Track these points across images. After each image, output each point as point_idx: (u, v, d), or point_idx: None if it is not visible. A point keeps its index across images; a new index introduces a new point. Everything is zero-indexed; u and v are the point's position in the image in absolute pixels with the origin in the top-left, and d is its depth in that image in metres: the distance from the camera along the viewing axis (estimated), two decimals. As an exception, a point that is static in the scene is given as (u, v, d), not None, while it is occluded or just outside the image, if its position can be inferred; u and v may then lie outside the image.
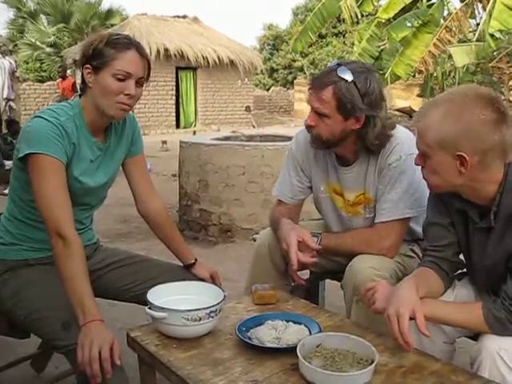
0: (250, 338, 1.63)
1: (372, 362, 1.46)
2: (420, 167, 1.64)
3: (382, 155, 2.04)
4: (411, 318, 1.51)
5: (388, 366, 1.53)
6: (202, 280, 2.06)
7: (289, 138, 5.28)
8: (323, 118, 1.95)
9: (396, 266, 2.02)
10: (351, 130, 1.97)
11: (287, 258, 2.00)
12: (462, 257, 1.81)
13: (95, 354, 1.48)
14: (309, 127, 2.00)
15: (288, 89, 27.74)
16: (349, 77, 1.90)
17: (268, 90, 28.34)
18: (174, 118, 18.73)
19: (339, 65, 1.93)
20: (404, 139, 2.01)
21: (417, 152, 1.63)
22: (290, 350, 1.53)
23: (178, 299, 1.78)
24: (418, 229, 2.14)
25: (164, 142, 12.83)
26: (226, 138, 5.51)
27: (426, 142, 1.55)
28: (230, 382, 1.43)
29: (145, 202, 2.13)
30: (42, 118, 1.77)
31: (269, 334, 1.63)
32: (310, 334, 1.64)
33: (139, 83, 1.85)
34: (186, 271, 2.13)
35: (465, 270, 1.86)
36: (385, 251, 2.02)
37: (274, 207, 2.34)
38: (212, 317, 1.65)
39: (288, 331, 1.65)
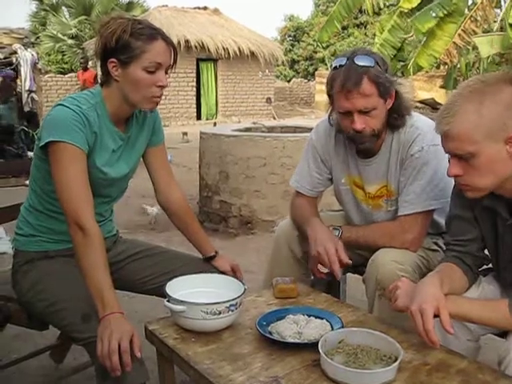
0: (270, 333, 1.59)
1: (396, 359, 1.42)
2: (447, 169, 1.54)
3: (403, 146, 1.99)
4: (435, 316, 1.46)
5: (412, 363, 1.48)
6: (223, 273, 2.04)
7: (310, 130, 5.18)
8: (371, 113, 1.89)
9: (419, 260, 1.97)
10: (387, 110, 1.95)
11: (322, 260, 1.97)
12: (486, 252, 1.76)
13: (115, 347, 1.46)
14: (361, 130, 1.91)
15: (309, 80, 27.60)
16: (368, 61, 1.86)
17: (289, 81, 28.25)
18: (195, 110, 18.75)
19: (349, 58, 1.88)
20: (426, 129, 1.96)
21: (439, 142, 1.54)
22: (312, 346, 1.49)
23: (198, 292, 1.75)
24: (442, 221, 2.09)
25: (185, 134, 12.85)
26: (247, 130, 5.47)
27: (472, 140, 1.43)
28: (249, 378, 1.40)
29: (165, 192, 2.10)
30: (63, 105, 1.75)
31: (290, 328, 1.59)
32: (332, 329, 1.60)
33: (166, 71, 1.81)
34: (207, 264, 2.10)
35: (490, 265, 1.80)
36: (408, 244, 1.98)
37: (294, 198, 2.30)
38: (232, 310, 1.61)
39: (309, 326, 1.61)
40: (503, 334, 1.73)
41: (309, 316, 1.68)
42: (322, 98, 22.12)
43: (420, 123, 1.99)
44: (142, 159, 2.08)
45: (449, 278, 1.59)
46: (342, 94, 1.87)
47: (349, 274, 2.55)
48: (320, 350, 1.42)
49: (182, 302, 1.59)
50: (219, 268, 2.08)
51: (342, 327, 1.60)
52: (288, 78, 30.45)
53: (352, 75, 1.84)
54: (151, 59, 1.74)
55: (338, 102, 1.90)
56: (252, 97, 20.02)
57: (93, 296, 1.57)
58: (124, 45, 1.74)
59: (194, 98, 18.59)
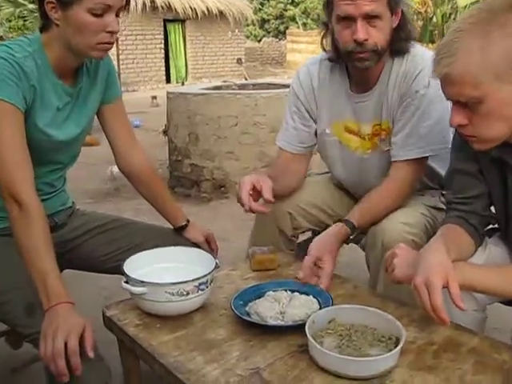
0: (248, 314, 1.36)
1: (397, 340, 1.20)
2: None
3: (405, 78, 1.74)
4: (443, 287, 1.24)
5: (416, 343, 1.27)
6: (196, 244, 1.80)
7: (284, 86, 4.95)
8: (375, 23, 1.66)
9: (426, 221, 1.74)
10: (392, 29, 1.72)
11: (238, 199, 1.71)
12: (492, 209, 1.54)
13: (60, 347, 1.20)
14: (363, 42, 1.66)
15: (280, 39, 27.03)
16: None
17: (259, 41, 27.69)
18: (164, 73, 18.27)
19: None
20: (430, 61, 1.70)
21: None
22: (297, 328, 1.27)
23: (162, 269, 1.51)
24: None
25: (154, 98, 12.54)
26: (217, 88, 5.16)
27: (478, 83, 1.18)
28: (225, 372, 1.17)
29: (126, 156, 1.84)
30: None
31: (271, 308, 1.37)
32: (320, 306, 1.38)
33: (118, 14, 1.52)
34: (177, 235, 1.87)
35: (496, 225, 1.58)
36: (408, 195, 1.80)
37: (276, 158, 2.05)
38: (202, 290, 1.38)
39: (293, 304, 1.38)
40: (510, 303, 1.57)
41: (292, 292, 1.45)
42: (293, 57, 21.75)
43: (425, 55, 1.74)
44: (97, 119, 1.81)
45: (454, 242, 1.36)
46: None
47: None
48: (307, 334, 1.19)
49: (142, 283, 1.35)
50: (191, 239, 1.84)
51: (332, 304, 1.38)
52: (258, 38, 29.83)
53: None
54: (97, 0, 1.46)
55: (341, 6, 1.65)
56: (222, 58, 19.59)
57: (35, 283, 1.31)
58: None
59: (163, 60, 18.10)
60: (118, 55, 10.04)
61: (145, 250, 1.56)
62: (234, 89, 5.19)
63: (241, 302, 1.41)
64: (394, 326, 1.23)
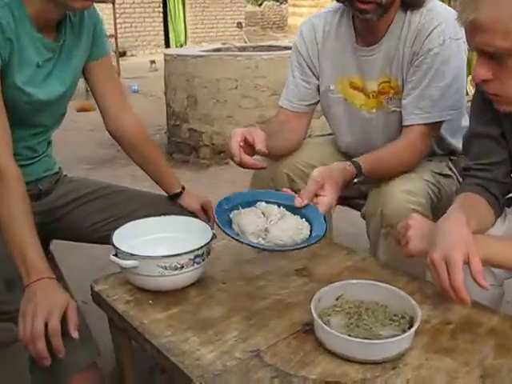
0: (230, 223, 1.26)
1: (411, 319, 1.09)
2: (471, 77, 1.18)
3: (419, 34, 1.59)
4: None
5: (430, 322, 1.16)
6: (192, 213, 1.69)
7: (286, 48, 4.78)
8: None
9: (430, 189, 1.61)
10: None
11: (228, 152, 1.56)
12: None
13: (39, 327, 1.09)
14: None
15: (281, 3, 26.54)
16: None
17: (260, 5, 27.16)
18: (163, 37, 17.95)
19: None
20: (448, 17, 1.56)
21: (462, 35, 1.17)
22: (275, 251, 1.24)
23: (155, 240, 1.39)
24: (453, 140, 1.75)
25: (153, 62, 12.33)
26: (216, 50, 4.99)
27: (509, 31, 1.05)
28: (222, 355, 1.06)
29: (116, 118, 1.71)
30: None
31: (255, 222, 1.25)
32: (311, 234, 1.27)
33: None
34: (172, 203, 1.76)
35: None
36: (417, 163, 1.66)
37: (273, 117, 1.92)
38: (197, 263, 1.26)
39: (281, 224, 1.27)
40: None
41: (287, 208, 1.34)
42: (295, 21, 21.32)
43: (441, 9, 1.60)
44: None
45: (474, 213, 1.24)
46: None
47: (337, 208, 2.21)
48: (313, 313, 1.08)
49: (132, 256, 1.23)
50: (187, 207, 1.73)
51: (325, 234, 1.26)
52: (259, 2, 29.31)
53: None
54: None
55: None
56: (222, 22, 19.23)
57: (14, 257, 1.20)
58: None
59: (162, 24, 17.77)
60: (114, 19, 9.75)
61: (137, 218, 1.44)
62: (233, 51, 5.02)
63: (226, 207, 1.30)
64: (408, 303, 1.12)
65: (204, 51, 4.79)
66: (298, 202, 1.35)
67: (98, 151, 5.17)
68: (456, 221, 1.16)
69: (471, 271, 1.07)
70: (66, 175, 1.80)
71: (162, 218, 1.45)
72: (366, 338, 1.06)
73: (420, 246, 1.22)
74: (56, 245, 1.87)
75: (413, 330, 1.04)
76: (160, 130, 5.58)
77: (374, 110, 1.75)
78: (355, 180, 1.54)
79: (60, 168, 1.78)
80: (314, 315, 1.07)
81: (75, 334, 1.12)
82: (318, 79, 1.83)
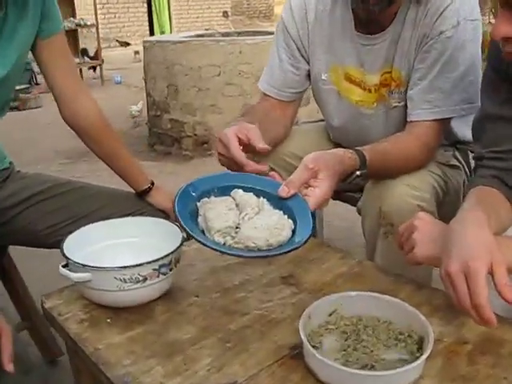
0: (196, 213, 1.05)
1: (420, 339, 0.90)
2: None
3: (428, 15, 1.37)
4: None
5: (443, 341, 0.96)
6: (163, 212, 1.49)
7: (271, 33, 4.55)
8: None
9: (436, 182, 1.42)
10: None
11: (230, 159, 1.23)
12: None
13: None
14: None
15: (267, -8, 26.25)
16: None
17: (246, -7, 26.86)
18: (147, 28, 17.67)
19: None
20: None
21: (479, 16, 1.05)
22: (241, 257, 1.03)
23: (115, 246, 1.19)
24: (458, 128, 1.54)
25: (136, 53, 12.15)
26: (199, 36, 4.77)
27: None
28: (191, 390, 0.86)
29: (70, 104, 1.51)
30: None
31: (224, 216, 1.02)
32: (293, 234, 1.04)
33: None
34: (140, 200, 1.56)
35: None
36: (426, 163, 1.43)
37: (255, 106, 1.70)
38: (163, 274, 1.06)
39: (257, 221, 1.03)
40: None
41: (268, 200, 1.10)
42: (281, 10, 21.08)
43: None
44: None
45: (493, 211, 1.04)
46: None
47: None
48: (301, 335, 0.88)
49: (84, 267, 1.03)
50: (156, 205, 1.53)
51: (311, 235, 1.04)
52: (245, -9, 28.97)
53: None
54: None
55: None
56: (208, 11, 19.01)
57: None
58: None
59: (146, 14, 17.52)
60: (95, 7, 9.46)
61: (98, 220, 1.23)
62: (216, 37, 4.81)
63: (193, 194, 1.07)
64: (416, 319, 0.93)
65: (185, 37, 4.57)
66: (284, 191, 1.09)
67: (76, 145, 4.94)
68: (475, 222, 0.95)
69: (496, 284, 0.87)
70: (18, 171, 1.59)
71: (124, 219, 1.24)
72: (366, 366, 0.86)
73: (428, 253, 1.02)
74: (13, 249, 1.68)
75: (424, 356, 0.84)
76: (142, 121, 5.39)
77: (375, 105, 1.54)
78: (357, 173, 1.28)
79: (11, 163, 1.57)
80: (303, 338, 0.87)
81: (10, 367, 0.91)
82: (308, 64, 1.61)
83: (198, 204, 1.05)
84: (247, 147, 1.24)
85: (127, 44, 14.18)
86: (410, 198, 1.30)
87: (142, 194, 1.56)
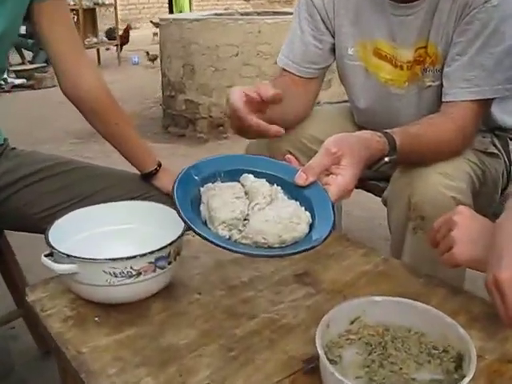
0: (198, 201, 0.89)
1: (459, 355, 0.76)
2: None
3: None
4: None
5: (485, 358, 0.82)
6: (168, 195, 1.35)
7: (291, 14, 4.38)
8: None
9: (472, 171, 1.26)
10: None
11: (230, 111, 1.07)
12: None
13: None
14: None
15: (289, -24, 25.92)
16: None
17: (268, -23, 26.56)
18: (167, 10, 17.53)
19: None
20: None
21: None
22: (248, 255, 0.85)
23: (110, 234, 1.06)
24: (498, 114, 1.38)
25: (155, 34, 12.00)
26: (217, 15, 4.62)
27: None
28: (185, 410, 0.73)
29: (71, 75, 1.37)
30: None
31: (231, 207, 0.86)
32: (310, 230, 0.88)
33: None
34: (145, 183, 1.43)
35: None
36: (463, 149, 1.28)
37: (273, 80, 1.54)
38: (161, 268, 0.92)
39: (269, 213, 0.86)
40: None
41: (282, 188, 0.94)
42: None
43: None
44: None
45: None
46: None
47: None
48: (318, 347, 0.74)
49: (69, 258, 0.89)
50: (163, 189, 1.40)
51: (332, 230, 0.87)
52: (267, -26, 28.64)
53: None
54: None
55: None
56: (229, -6, 18.83)
57: None
58: None
59: (166, -3, 17.44)
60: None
61: (98, 202, 1.10)
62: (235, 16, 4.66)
63: (196, 177, 0.91)
64: (454, 332, 0.78)
65: (203, 16, 4.43)
66: (301, 178, 0.93)
67: (87, 125, 4.85)
68: None
69: None
70: (14, 148, 1.46)
71: (121, 203, 1.11)
72: (394, 388, 0.72)
73: (470, 254, 0.87)
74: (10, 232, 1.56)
75: (467, 380, 0.69)
76: (157, 102, 5.29)
77: (406, 84, 1.38)
78: (386, 159, 1.12)
79: (6, 139, 1.44)
80: (320, 352, 0.73)
81: None
82: (333, 37, 1.46)
83: (201, 190, 0.90)
84: (256, 106, 1.06)
85: (158, 25, 14.07)
86: (444, 188, 1.14)
87: (148, 177, 1.43)
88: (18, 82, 6.85)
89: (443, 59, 1.29)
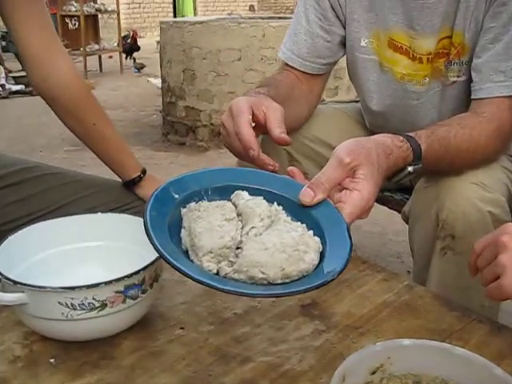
0: (177, 226, 0.70)
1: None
2: None
3: None
4: None
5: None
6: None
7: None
8: None
9: (509, 180, 1.08)
10: None
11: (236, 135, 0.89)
12: None
13: None
14: None
15: (295, -13, 26.06)
16: None
17: (273, -12, 26.71)
18: (172, 19, 17.65)
19: None
20: None
21: None
22: (243, 295, 0.66)
23: (77, 252, 0.87)
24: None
25: (159, 43, 11.97)
26: (219, 20, 4.50)
27: None
28: None
29: (41, 65, 1.19)
30: None
31: (219, 232, 0.67)
32: (321, 260, 0.69)
33: None
34: (127, 193, 1.27)
35: None
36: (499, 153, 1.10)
37: (273, 75, 1.36)
38: (133, 298, 0.74)
39: (267, 238, 0.68)
40: None
41: (284, 208, 0.75)
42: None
43: None
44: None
45: None
46: None
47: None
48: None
49: (16, 285, 0.71)
50: (145, 199, 1.21)
51: (348, 260, 0.68)
52: (272, -15, 28.76)
53: None
54: None
55: None
56: (234, 4, 18.99)
57: None
58: None
59: (171, 5, 17.50)
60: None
61: (67, 215, 0.93)
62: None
63: (176, 196, 0.73)
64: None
65: (204, 19, 4.32)
66: (308, 195, 0.75)
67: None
68: None
69: None
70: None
71: (93, 216, 0.92)
72: None
73: None
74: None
75: None
76: (157, 109, 5.20)
77: (426, 80, 1.20)
78: (409, 169, 0.94)
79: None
80: (334, 418, 0.55)
81: None
82: (344, 27, 1.28)
83: (183, 211, 0.72)
84: (261, 129, 0.91)
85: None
86: (479, 201, 0.96)
87: (131, 185, 1.26)
88: (16, 88, 6.75)
89: (471, 49, 1.12)
